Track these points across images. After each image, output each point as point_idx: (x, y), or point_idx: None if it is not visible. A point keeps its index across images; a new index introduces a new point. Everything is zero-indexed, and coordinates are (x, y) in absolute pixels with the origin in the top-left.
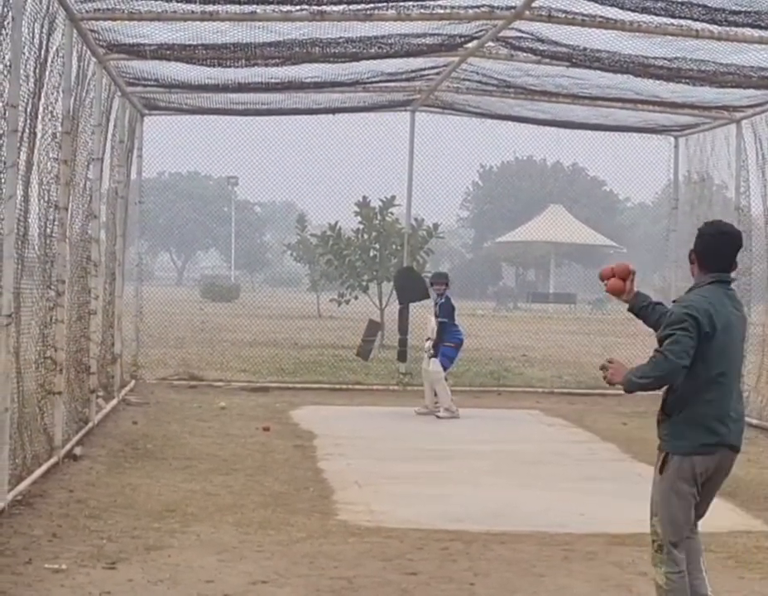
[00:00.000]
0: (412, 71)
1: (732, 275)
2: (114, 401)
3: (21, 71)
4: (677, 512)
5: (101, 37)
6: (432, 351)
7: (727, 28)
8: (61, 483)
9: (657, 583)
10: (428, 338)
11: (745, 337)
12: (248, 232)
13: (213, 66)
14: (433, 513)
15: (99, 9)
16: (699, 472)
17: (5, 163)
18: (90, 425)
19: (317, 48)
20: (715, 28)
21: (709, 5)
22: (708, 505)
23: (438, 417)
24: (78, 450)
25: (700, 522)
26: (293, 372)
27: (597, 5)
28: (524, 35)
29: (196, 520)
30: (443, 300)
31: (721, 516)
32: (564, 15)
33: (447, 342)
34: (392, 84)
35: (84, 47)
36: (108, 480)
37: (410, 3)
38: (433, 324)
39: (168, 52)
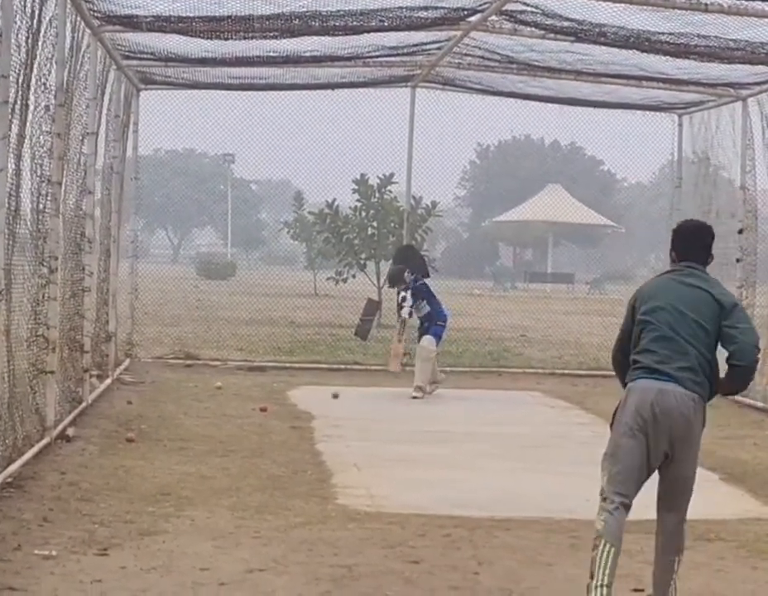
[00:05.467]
0: (413, 46)
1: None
2: (108, 381)
3: (13, 41)
4: None
5: (96, 8)
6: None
7: (738, 2)
8: (53, 464)
9: None
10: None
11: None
12: (244, 209)
13: (211, 39)
14: (434, 498)
15: None
16: None
17: None
18: (84, 404)
19: (316, 21)
20: (725, 2)
21: None
22: None
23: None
24: (71, 431)
25: None
26: (290, 351)
27: None
28: (528, 8)
29: (191, 504)
30: (418, 283)
31: (730, 503)
32: None
33: (438, 321)
34: (393, 59)
35: (78, 18)
36: (102, 462)
37: None
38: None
39: (164, 24)
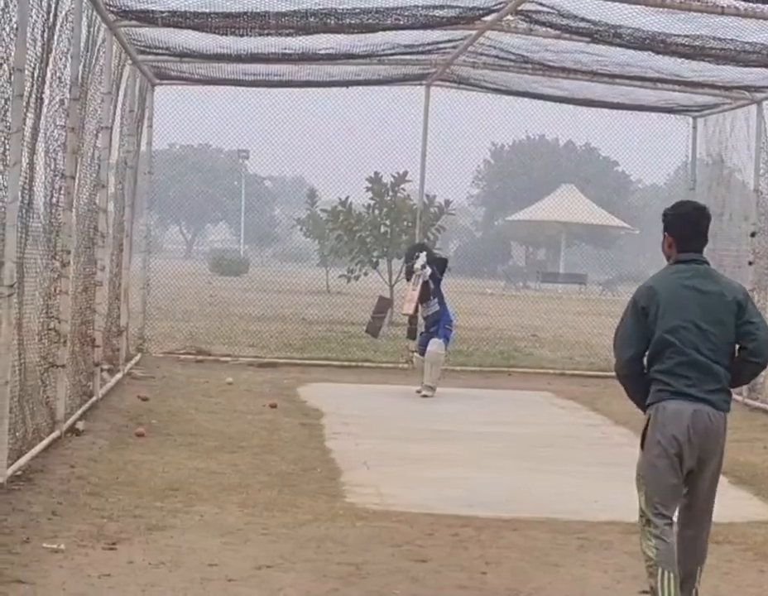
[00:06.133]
0: (428, 44)
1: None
2: (119, 375)
3: (28, 35)
4: None
5: (111, 3)
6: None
7: (754, 5)
8: (63, 458)
9: None
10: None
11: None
12: (258, 206)
13: (226, 35)
14: (443, 497)
15: None
16: None
17: (9, 128)
18: (94, 398)
19: (332, 18)
20: (741, 5)
21: None
22: None
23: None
24: (81, 425)
25: None
26: (301, 348)
27: None
28: (543, 8)
29: (200, 499)
30: (432, 269)
31: (739, 507)
32: None
33: (446, 324)
34: (408, 57)
35: (94, 13)
36: (111, 456)
37: None
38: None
39: (180, 19)
